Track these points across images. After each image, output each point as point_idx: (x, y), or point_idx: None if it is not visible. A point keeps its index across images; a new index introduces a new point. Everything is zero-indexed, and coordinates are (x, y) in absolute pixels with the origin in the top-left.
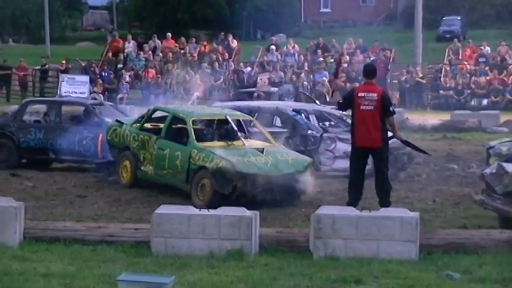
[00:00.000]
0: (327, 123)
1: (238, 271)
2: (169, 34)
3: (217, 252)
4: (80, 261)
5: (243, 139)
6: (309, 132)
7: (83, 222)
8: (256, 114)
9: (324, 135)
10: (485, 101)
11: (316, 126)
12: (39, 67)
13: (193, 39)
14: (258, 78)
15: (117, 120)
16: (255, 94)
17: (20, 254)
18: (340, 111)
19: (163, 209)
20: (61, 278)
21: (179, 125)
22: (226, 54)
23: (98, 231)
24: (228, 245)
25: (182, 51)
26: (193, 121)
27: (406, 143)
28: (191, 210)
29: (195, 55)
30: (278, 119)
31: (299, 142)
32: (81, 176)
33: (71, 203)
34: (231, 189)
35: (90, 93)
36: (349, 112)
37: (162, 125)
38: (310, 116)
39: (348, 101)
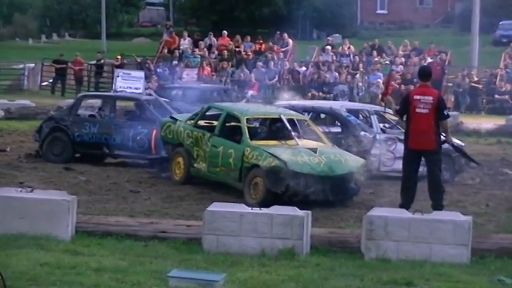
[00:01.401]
0: (387, 125)
1: (289, 270)
2: (225, 32)
3: (268, 251)
4: (131, 256)
5: (296, 138)
6: (362, 133)
7: (135, 217)
8: (310, 114)
9: (385, 136)
10: None
11: (370, 128)
12: (94, 62)
13: (249, 38)
14: (184, 73)
15: (171, 117)
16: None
17: (72, 248)
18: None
19: (216, 207)
20: (112, 272)
21: (233, 123)
22: (282, 54)
23: (150, 227)
24: (280, 244)
25: (237, 49)
26: (247, 119)
27: (457, 149)
28: (243, 208)
29: (250, 53)
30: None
31: (352, 143)
32: (134, 172)
33: (123, 198)
34: (283, 188)
35: (145, 89)
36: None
37: (216, 123)
38: (371, 116)
39: (405, 107)
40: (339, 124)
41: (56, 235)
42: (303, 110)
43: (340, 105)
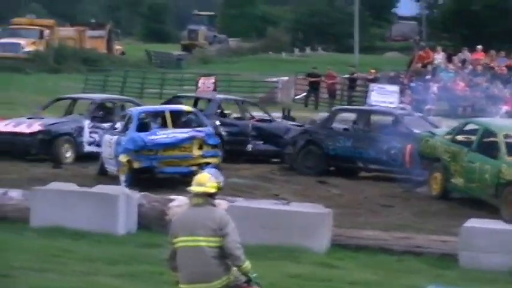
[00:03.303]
0: None
1: None
2: (479, 47)
3: None
4: (385, 271)
5: None
6: None
7: (388, 231)
8: None
9: None
10: None
11: None
12: (347, 75)
13: (503, 53)
14: (200, 81)
15: (429, 131)
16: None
17: (325, 261)
18: None
19: (472, 223)
20: (365, 286)
21: (490, 139)
22: None
23: (404, 242)
24: None
25: (491, 64)
26: (504, 135)
27: None
28: (500, 225)
29: (504, 68)
30: None
31: None
32: (387, 186)
33: (375, 212)
34: None
35: (399, 103)
36: None
37: (473, 138)
38: None
39: None
40: None
41: (310, 247)
42: None
43: None
